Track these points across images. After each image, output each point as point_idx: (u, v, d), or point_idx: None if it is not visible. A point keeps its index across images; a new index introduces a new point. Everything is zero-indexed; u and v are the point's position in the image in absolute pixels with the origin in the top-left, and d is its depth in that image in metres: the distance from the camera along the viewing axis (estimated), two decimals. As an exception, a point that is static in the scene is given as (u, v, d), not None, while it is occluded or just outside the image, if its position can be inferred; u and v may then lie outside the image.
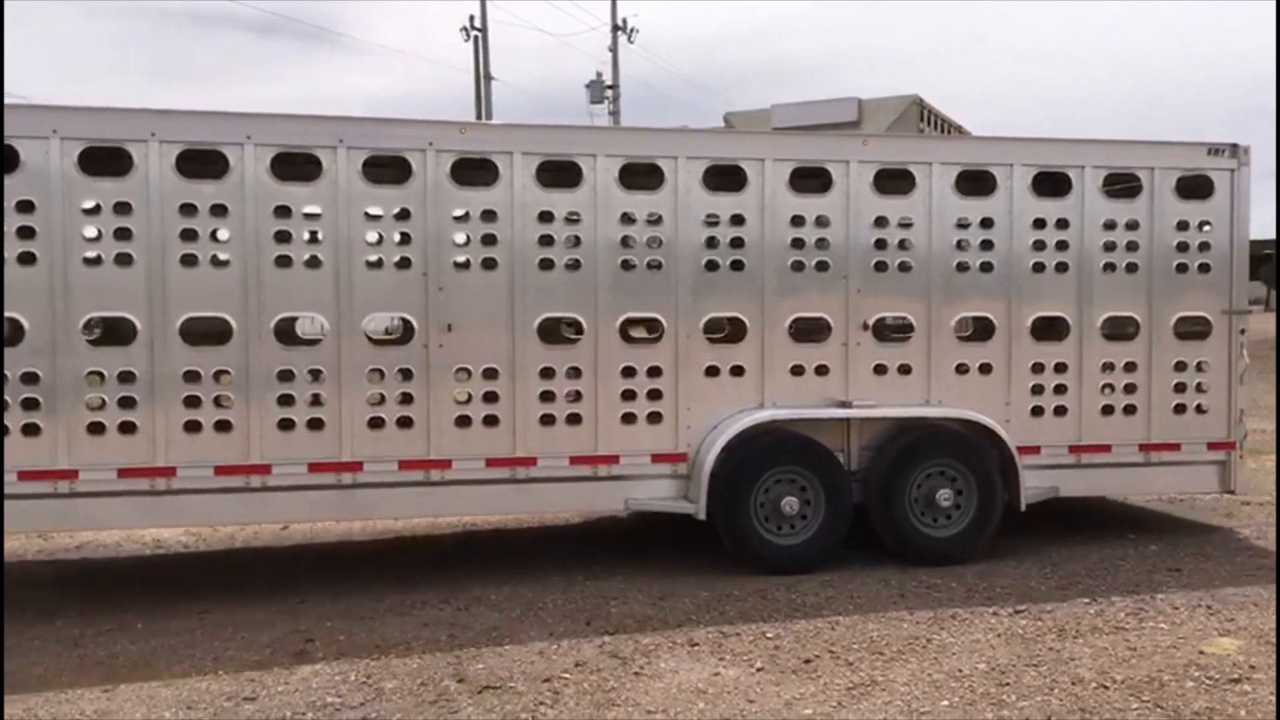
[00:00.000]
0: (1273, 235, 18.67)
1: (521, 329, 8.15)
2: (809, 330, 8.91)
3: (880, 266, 8.75)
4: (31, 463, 7.39)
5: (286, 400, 7.84)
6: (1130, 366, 9.14)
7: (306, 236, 7.83)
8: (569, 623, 7.22)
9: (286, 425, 7.83)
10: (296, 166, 7.81)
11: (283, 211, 7.74)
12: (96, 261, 7.48)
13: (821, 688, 5.98)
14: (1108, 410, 9.10)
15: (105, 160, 7.48)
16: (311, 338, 8.16)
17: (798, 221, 8.57)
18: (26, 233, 7.35)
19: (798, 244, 8.60)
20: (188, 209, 7.58)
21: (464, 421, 8.11)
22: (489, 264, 8.11)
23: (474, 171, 8.14)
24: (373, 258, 7.92)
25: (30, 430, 7.39)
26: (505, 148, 8.08)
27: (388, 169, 8.00)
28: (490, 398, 8.17)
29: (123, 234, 7.52)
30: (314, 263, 7.79)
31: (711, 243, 8.45)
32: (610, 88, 46.26)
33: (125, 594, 8.00)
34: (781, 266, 8.52)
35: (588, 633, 7.00)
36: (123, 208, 7.50)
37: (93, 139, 7.43)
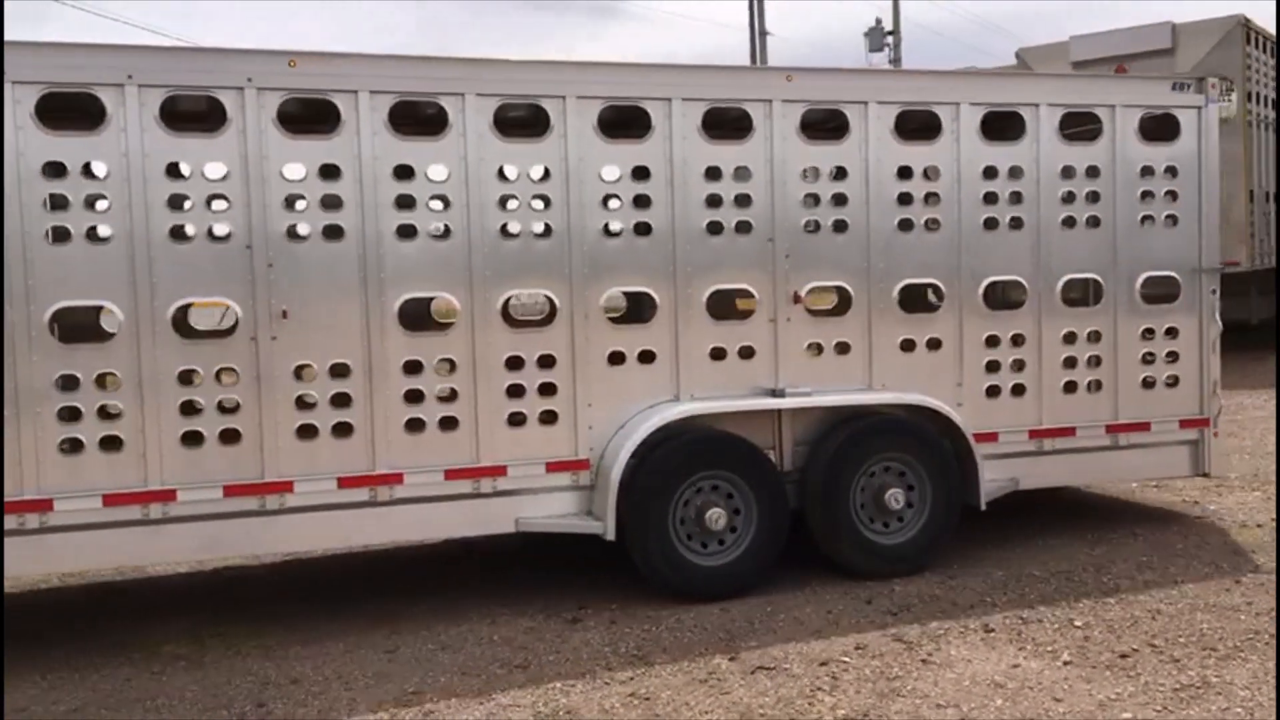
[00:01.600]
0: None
1: (377, 314, 6.50)
2: (732, 306, 7.47)
3: (812, 227, 7.34)
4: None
5: (72, 415, 6.06)
6: (1095, 336, 7.94)
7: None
8: (849, 601, 6.79)
9: (72, 447, 6.05)
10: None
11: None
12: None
13: (1142, 687, 5.31)
14: (1070, 387, 7.89)
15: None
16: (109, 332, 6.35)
17: (713, 175, 7.11)
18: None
19: (714, 202, 7.14)
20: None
21: (307, 432, 6.43)
22: (333, 233, 6.44)
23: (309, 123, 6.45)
24: (181, 225, 6.17)
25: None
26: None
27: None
28: (340, 401, 6.51)
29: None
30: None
31: (610, 203, 6.92)
32: (890, 34, 42.28)
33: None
34: (695, 229, 7.04)
35: (869, 613, 6.57)
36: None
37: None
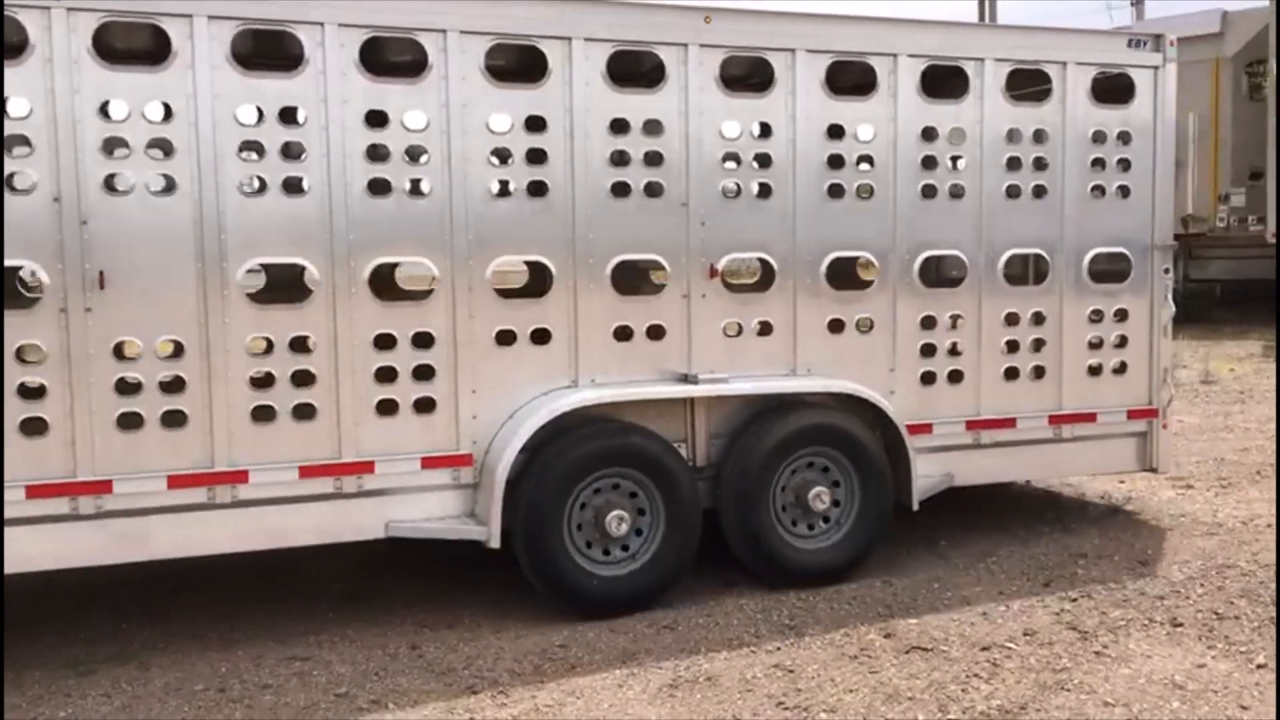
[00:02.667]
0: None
1: (217, 282, 5.48)
2: (639, 280, 6.60)
3: (732, 192, 6.47)
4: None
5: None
6: (1038, 318, 7.21)
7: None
8: (1024, 582, 6.37)
9: None
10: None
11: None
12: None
13: (1350, 703, 4.77)
14: (1012, 374, 7.16)
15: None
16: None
17: (619, 128, 6.19)
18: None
19: (620, 159, 6.23)
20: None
21: (131, 422, 5.41)
22: (167, 189, 5.41)
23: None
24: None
25: None
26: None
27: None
28: (173, 387, 5.49)
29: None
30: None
31: (501, 158, 5.97)
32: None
33: None
34: (598, 190, 6.12)
35: (1044, 595, 6.11)
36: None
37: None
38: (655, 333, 6.32)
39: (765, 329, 6.55)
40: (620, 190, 6.20)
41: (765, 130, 6.47)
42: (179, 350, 5.47)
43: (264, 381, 5.61)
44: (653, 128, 6.26)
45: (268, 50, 5.79)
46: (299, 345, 5.67)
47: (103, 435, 5.34)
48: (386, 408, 5.84)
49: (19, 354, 5.24)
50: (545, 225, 6.05)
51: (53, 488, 5.28)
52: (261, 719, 4.85)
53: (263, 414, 5.62)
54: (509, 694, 5.04)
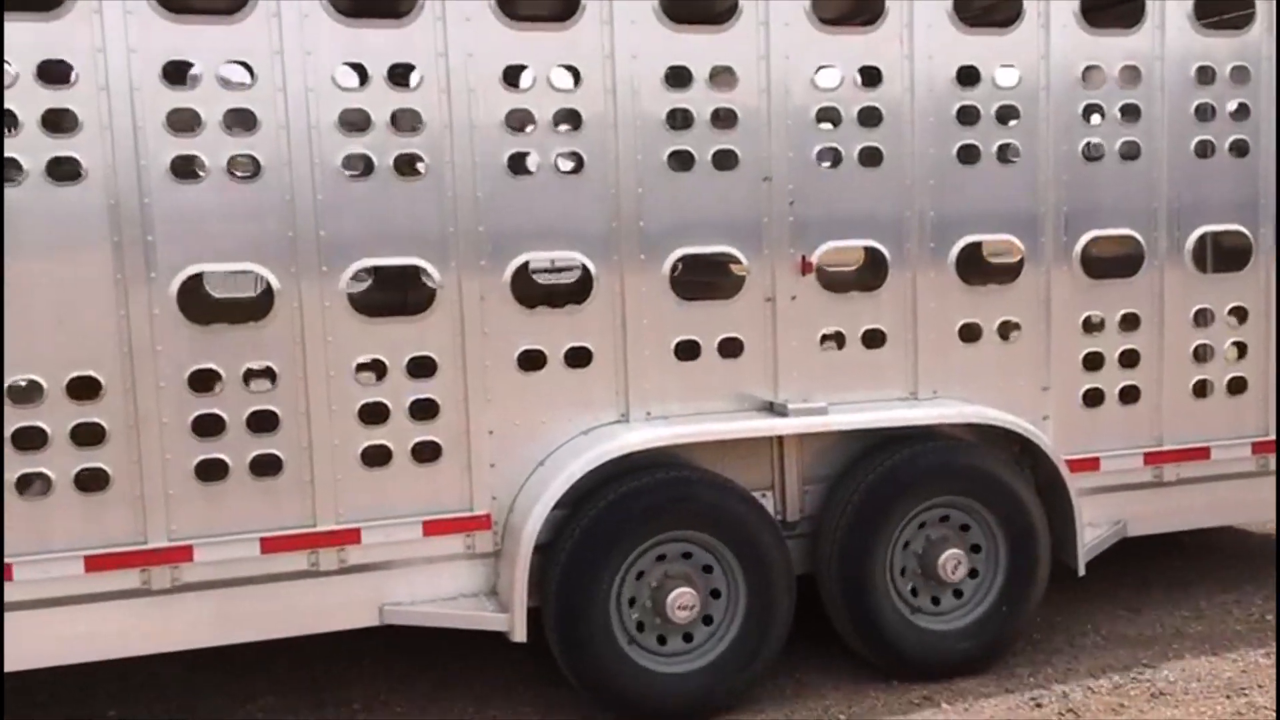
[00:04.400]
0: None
1: (141, 297, 4.13)
2: (707, 279, 5.09)
3: (829, 158, 4.89)
4: None
5: None
6: (1239, 314, 5.50)
7: None
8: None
9: None
10: None
11: None
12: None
13: None
14: (1202, 389, 5.46)
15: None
16: None
17: (678, 80, 4.66)
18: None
19: (679, 120, 4.70)
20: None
21: (29, 484, 4.11)
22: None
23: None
24: None
25: None
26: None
27: None
28: (86, 438, 4.16)
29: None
30: None
31: (513, 124, 4.50)
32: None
33: None
34: (653, 163, 4.61)
35: None
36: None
37: None
38: (729, 348, 4.80)
39: (875, 339, 4.97)
40: (681, 162, 4.68)
41: (873, 77, 4.87)
42: (94, 387, 4.14)
43: (209, 425, 4.25)
44: (723, 77, 4.71)
45: None
46: (257, 377, 4.29)
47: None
48: (375, 456, 4.43)
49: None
50: (580, 210, 4.56)
51: (-70, 575, 4.00)
52: None
53: (210, 470, 4.27)
54: None
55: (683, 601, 4.53)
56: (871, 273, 5.09)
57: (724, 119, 4.72)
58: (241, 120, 4.17)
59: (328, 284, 4.29)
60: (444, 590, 4.58)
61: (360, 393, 4.38)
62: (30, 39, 3.93)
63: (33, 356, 4.04)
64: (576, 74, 4.52)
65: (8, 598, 4.08)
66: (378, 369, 4.41)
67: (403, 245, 4.37)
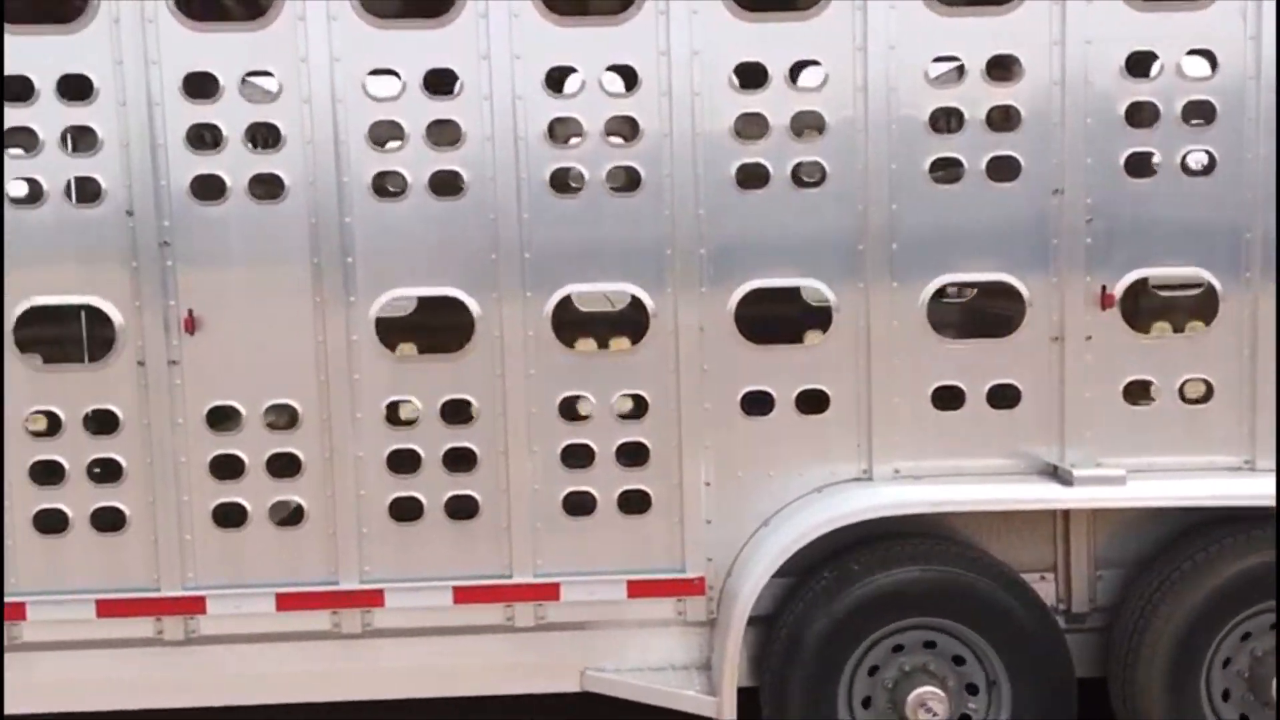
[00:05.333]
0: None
1: (339, 322, 3.88)
2: (976, 311, 4.26)
3: (1139, 164, 3.93)
4: None
5: None
6: None
7: None
8: None
9: None
10: None
11: None
12: None
13: None
14: None
15: None
16: None
17: (948, 74, 3.90)
18: None
19: (947, 122, 3.95)
20: None
21: (223, 514, 3.95)
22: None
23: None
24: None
25: None
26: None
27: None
28: (282, 469, 3.96)
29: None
30: None
31: (743, 131, 3.89)
32: None
33: None
34: (912, 172, 3.86)
35: None
36: None
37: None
38: (1003, 396, 3.95)
39: (1204, 393, 3.94)
40: (947, 171, 3.90)
41: (1213, 61, 3.87)
42: (294, 419, 3.94)
43: (405, 460, 3.95)
44: (1002, 70, 3.89)
45: None
46: (450, 416, 3.94)
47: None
48: (576, 505, 3.97)
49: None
50: (818, 229, 3.89)
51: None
52: None
53: (405, 508, 3.96)
54: None
55: (928, 702, 3.74)
56: (1199, 307, 4.07)
57: (1004, 119, 3.90)
58: (444, 132, 3.84)
59: (531, 311, 3.87)
60: (652, 659, 4.05)
61: (564, 432, 3.93)
62: (235, 52, 3.77)
63: (232, 383, 3.88)
64: (817, 69, 3.85)
65: (205, 631, 3.95)
66: (582, 407, 3.94)
67: (612, 268, 3.87)
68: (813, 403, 3.94)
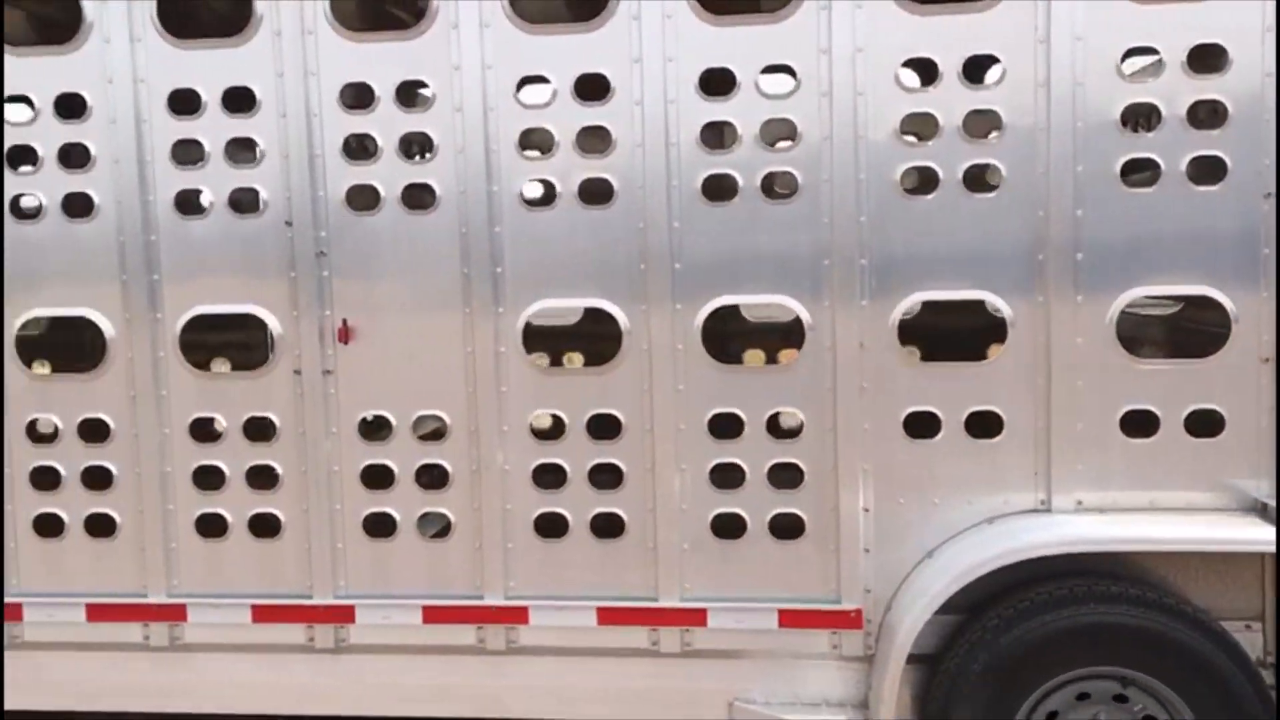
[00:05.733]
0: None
1: (487, 333, 3.81)
2: (1173, 328, 3.87)
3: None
4: None
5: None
6: None
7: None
8: None
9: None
10: None
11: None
12: None
13: None
14: None
15: None
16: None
17: (1143, 67, 3.54)
18: None
19: (1139, 119, 3.58)
20: None
21: (374, 523, 3.94)
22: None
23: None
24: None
25: None
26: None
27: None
28: (430, 480, 3.93)
29: None
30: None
31: (910, 131, 3.64)
32: None
33: None
34: (1101, 175, 3.52)
35: None
36: None
37: None
38: (1203, 423, 3.55)
39: None
40: (1139, 174, 3.53)
41: None
42: (441, 433, 3.90)
43: (549, 477, 3.85)
44: (1207, 60, 3.49)
45: None
46: (598, 431, 3.82)
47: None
48: (729, 527, 3.78)
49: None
50: (993, 237, 3.58)
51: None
52: None
53: (550, 525, 3.86)
54: None
55: (1111, 762, 3.38)
56: None
57: (1209, 115, 3.50)
58: (593, 138, 3.73)
59: (681, 323, 3.71)
60: (804, 693, 3.82)
61: (713, 450, 3.75)
62: (392, 61, 3.76)
63: (384, 392, 3.87)
64: (994, 65, 3.55)
65: (354, 640, 3.95)
66: (734, 425, 3.75)
67: (766, 279, 3.67)
68: (985, 425, 3.63)
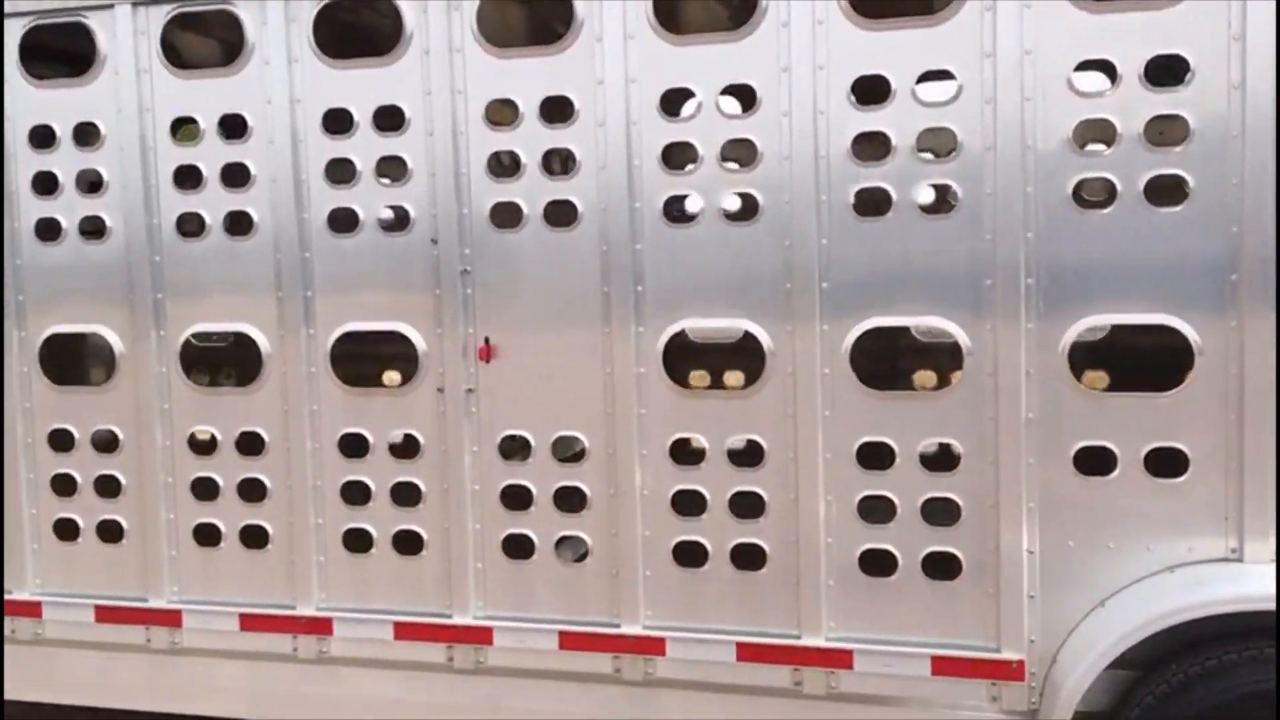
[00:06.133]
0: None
1: (626, 354, 3.70)
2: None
3: None
4: None
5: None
6: None
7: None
8: None
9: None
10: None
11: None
12: None
13: None
14: None
15: None
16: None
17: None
18: None
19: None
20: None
21: (513, 544, 3.89)
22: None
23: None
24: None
25: None
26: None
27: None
28: (567, 503, 3.84)
29: None
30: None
31: (1084, 140, 3.33)
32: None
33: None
34: (1304, 185, 3.14)
35: None
36: None
37: None
38: None
39: None
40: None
41: None
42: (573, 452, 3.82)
43: (689, 504, 3.71)
44: None
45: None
46: (744, 451, 3.65)
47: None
48: (876, 563, 3.55)
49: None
50: (1176, 254, 3.24)
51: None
52: None
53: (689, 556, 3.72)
54: None
55: None
56: None
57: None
58: (739, 152, 3.57)
59: (828, 345, 3.51)
60: (956, 750, 3.53)
61: (861, 481, 3.53)
62: (536, 76, 3.70)
63: (523, 412, 3.82)
64: (1183, 66, 3.21)
65: (491, 662, 3.90)
66: (884, 453, 3.51)
67: (918, 298, 3.43)
68: (1167, 462, 3.29)
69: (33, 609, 4.31)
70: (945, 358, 3.52)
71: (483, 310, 3.82)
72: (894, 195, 3.43)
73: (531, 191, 3.75)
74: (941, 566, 3.48)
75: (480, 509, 3.87)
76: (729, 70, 3.54)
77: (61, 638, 4.30)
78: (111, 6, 3.99)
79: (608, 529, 3.76)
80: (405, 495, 3.97)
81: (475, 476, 3.87)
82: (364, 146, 3.88)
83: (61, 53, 4.21)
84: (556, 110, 3.72)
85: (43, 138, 4.17)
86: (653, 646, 3.73)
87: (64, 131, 4.12)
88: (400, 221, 3.90)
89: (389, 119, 3.86)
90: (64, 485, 4.27)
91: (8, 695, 4.39)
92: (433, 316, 3.86)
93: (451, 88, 3.78)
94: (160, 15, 3.98)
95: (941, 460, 3.48)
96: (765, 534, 3.62)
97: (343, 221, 3.94)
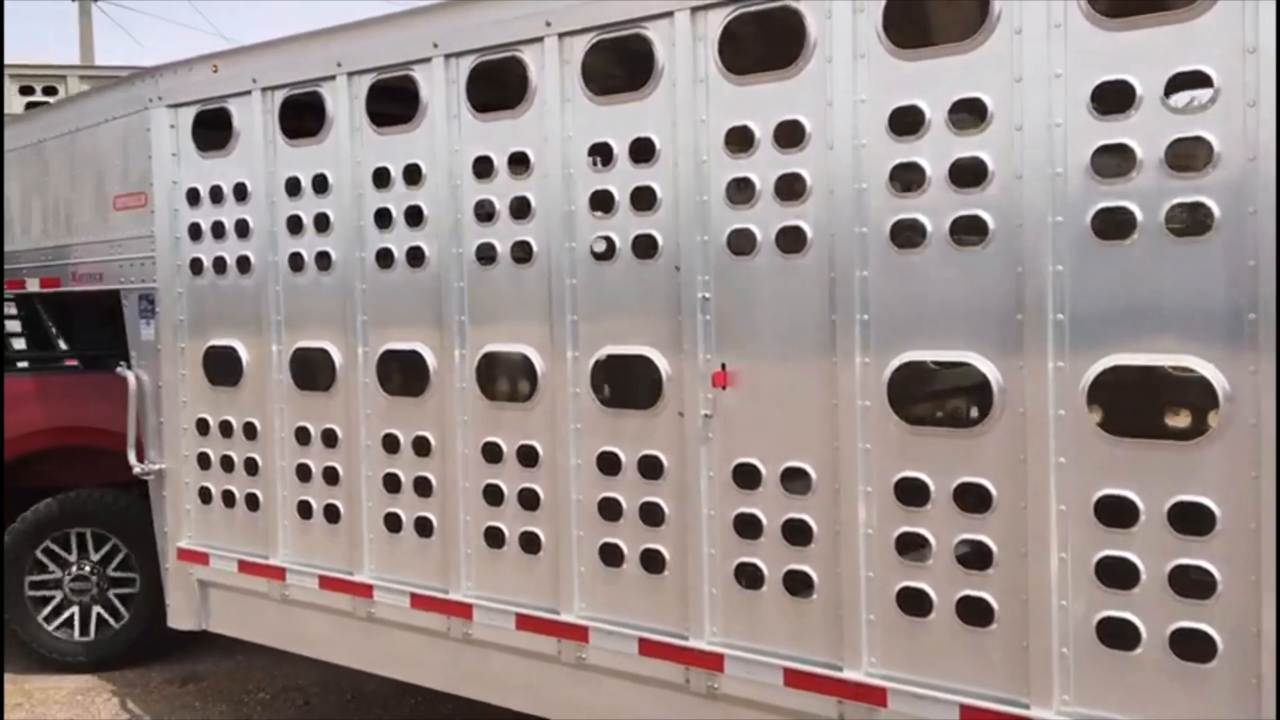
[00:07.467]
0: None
1: (850, 385, 3.55)
2: None
3: None
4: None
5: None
6: None
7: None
8: None
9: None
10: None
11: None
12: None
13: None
14: None
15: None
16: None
17: None
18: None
19: None
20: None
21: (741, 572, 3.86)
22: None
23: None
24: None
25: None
26: None
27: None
28: (796, 536, 3.75)
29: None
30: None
31: None
32: None
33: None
34: None
35: None
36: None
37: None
38: None
39: None
40: None
41: None
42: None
43: (912, 548, 3.48)
44: None
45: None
46: (971, 496, 3.36)
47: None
48: (1118, 634, 3.11)
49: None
50: None
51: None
52: None
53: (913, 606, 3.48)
54: None
55: None
56: None
57: None
58: (967, 170, 3.30)
59: (1063, 384, 3.14)
60: None
61: (1101, 539, 3.12)
62: (768, 102, 3.66)
63: (756, 440, 3.78)
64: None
65: (725, 691, 3.90)
66: (1127, 510, 3.08)
67: (1169, 331, 2.97)
68: None
69: (464, 609, 4.59)
70: (1196, 397, 3.01)
71: (720, 337, 3.83)
72: (1140, 216, 3.00)
73: (764, 218, 3.70)
74: (1194, 646, 2.99)
75: (713, 535, 3.88)
76: (959, 85, 3.28)
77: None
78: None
79: (831, 567, 3.62)
80: (652, 517, 4.06)
81: (710, 502, 3.88)
82: (620, 178, 4.03)
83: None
84: (792, 136, 3.64)
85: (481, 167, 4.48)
86: (873, 696, 3.54)
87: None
88: (648, 249, 4.01)
89: (641, 153, 3.98)
90: (392, 483, 4.80)
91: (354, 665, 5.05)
92: (674, 342, 3.93)
93: (695, 118, 3.82)
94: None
95: (1197, 517, 2.98)
96: (993, 588, 3.31)
97: (600, 250, 4.13)
